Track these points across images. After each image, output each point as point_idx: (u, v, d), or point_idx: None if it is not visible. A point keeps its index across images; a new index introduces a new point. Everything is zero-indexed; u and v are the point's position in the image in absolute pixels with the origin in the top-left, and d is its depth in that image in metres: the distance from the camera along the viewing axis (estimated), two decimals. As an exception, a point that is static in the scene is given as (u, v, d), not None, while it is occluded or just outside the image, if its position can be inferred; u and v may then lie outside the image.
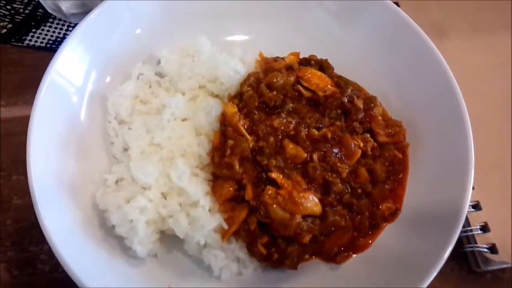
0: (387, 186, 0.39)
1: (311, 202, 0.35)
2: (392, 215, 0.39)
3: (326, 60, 0.44)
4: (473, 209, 0.42)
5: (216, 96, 0.42)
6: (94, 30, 0.41)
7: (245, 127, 0.37)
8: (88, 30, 0.40)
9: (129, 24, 0.43)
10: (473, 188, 0.38)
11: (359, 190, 0.38)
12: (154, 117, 0.39)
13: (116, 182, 0.38)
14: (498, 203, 0.42)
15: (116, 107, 0.40)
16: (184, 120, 0.40)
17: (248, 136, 0.37)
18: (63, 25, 0.51)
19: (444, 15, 0.52)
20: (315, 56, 0.44)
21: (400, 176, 0.40)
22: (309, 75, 0.40)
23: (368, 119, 0.39)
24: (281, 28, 0.47)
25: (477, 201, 0.42)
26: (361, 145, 0.37)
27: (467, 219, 0.41)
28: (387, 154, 0.39)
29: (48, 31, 0.50)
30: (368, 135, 0.38)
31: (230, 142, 0.36)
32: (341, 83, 0.40)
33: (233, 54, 0.44)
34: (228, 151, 0.36)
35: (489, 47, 0.50)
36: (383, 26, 0.44)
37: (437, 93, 0.40)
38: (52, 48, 0.49)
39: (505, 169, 0.44)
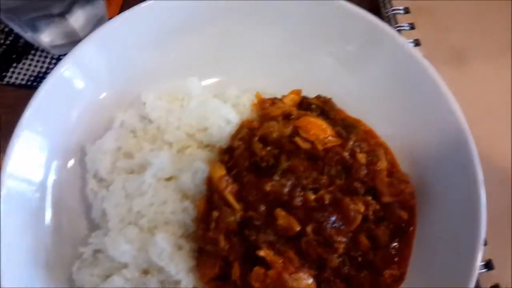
0: (391, 249, 0.36)
1: (304, 283, 0.32)
2: (396, 282, 0.36)
3: (329, 100, 0.40)
4: (484, 269, 0.38)
5: (207, 146, 0.38)
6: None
7: (234, 192, 0.34)
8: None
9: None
10: (485, 244, 0.35)
11: (360, 259, 0.34)
12: (135, 178, 0.36)
13: (94, 253, 0.35)
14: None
15: (95, 164, 0.37)
16: (169, 179, 0.36)
17: (236, 205, 0.33)
18: (45, 57, 0.47)
19: (466, 35, 0.46)
20: (320, 95, 0.40)
21: (406, 237, 0.37)
22: (308, 125, 0.37)
23: (371, 176, 0.35)
24: (284, 66, 0.42)
25: (489, 260, 0.38)
26: (362, 210, 0.34)
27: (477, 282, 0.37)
28: (391, 215, 0.36)
29: (29, 65, 0.47)
30: (370, 197, 0.35)
31: (215, 214, 0.33)
32: (343, 133, 0.36)
33: (226, 98, 0.40)
34: (213, 225, 0.33)
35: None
36: (395, 68, 0.39)
37: (449, 146, 0.36)
38: (33, 86, 0.45)
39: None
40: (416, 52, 0.38)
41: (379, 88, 0.40)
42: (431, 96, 0.37)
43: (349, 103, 0.41)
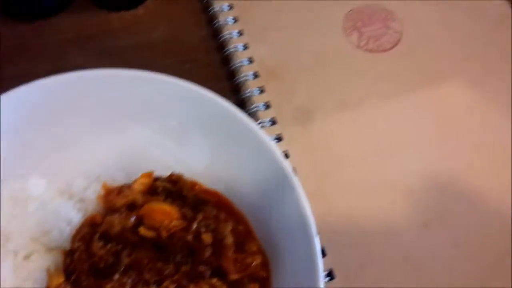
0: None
1: None
2: None
3: (181, 177, 0.40)
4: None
5: (54, 250, 0.38)
6: None
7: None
8: None
9: None
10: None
11: None
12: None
13: None
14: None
15: None
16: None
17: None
18: None
19: (311, 95, 0.49)
20: (173, 173, 0.41)
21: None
22: (152, 212, 0.37)
23: (217, 255, 0.36)
24: (139, 148, 0.41)
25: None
26: (206, 296, 0.34)
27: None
28: (241, 291, 0.36)
29: None
30: (216, 279, 0.35)
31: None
32: (188, 213, 0.37)
33: (72, 192, 0.40)
34: None
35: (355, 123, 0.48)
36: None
37: (291, 216, 0.37)
38: None
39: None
40: (252, 123, 0.40)
41: (229, 158, 0.41)
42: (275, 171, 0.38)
43: (205, 175, 0.42)
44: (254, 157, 0.39)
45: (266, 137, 0.39)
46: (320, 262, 0.34)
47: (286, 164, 0.38)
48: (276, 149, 0.38)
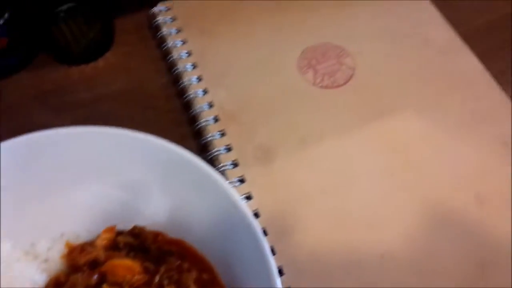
0: None
1: None
2: None
3: (143, 229, 0.41)
4: None
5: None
6: None
7: None
8: None
9: None
10: None
11: None
12: None
13: None
14: None
15: None
16: None
17: None
18: None
19: (271, 135, 0.50)
20: (136, 226, 0.41)
21: None
22: (114, 268, 0.37)
23: (182, 306, 0.36)
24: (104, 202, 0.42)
25: None
26: None
27: None
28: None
29: None
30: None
31: None
32: (150, 266, 0.38)
33: (37, 253, 0.40)
34: None
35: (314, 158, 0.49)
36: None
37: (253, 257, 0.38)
38: None
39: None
40: (209, 169, 0.41)
41: (190, 206, 0.42)
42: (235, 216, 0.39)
43: (168, 225, 0.42)
44: (214, 202, 0.40)
45: (224, 181, 0.40)
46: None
47: (246, 208, 0.39)
48: (235, 193, 0.39)
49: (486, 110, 0.51)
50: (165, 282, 0.37)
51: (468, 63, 0.55)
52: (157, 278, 0.36)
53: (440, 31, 0.57)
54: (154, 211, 0.42)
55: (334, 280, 0.41)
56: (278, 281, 0.36)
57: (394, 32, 0.57)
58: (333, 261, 0.43)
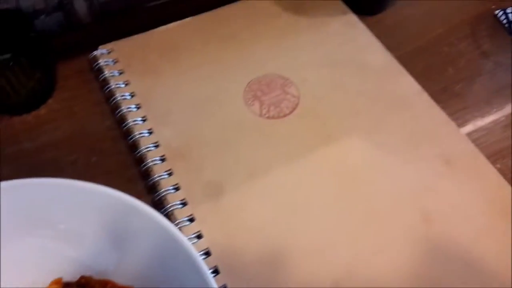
0: None
1: None
2: None
3: (90, 278, 0.40)
4: None
5: None
6: None
7: None
8: None
9: None
10: None
11: None
12: None
13: None
14: None
15: None
16: None
17: None
18: None
19: (219, 169, 0.50)
20: (83, 276, 0.41)
21: None
22: (61, 322, 0.36)
23: None
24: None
25: None
26: None
27: None
28: None
29: None
30: None
31: None
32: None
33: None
34: None
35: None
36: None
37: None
38: None
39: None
40: (153, 212, 0.40)
41: (137, 250, 0.41)
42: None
43: (116, 272, 0.41)
44: (160, 245, 0.39)
45: (168, 223, 0.39)
46: None
47: (193, 250, 0.38)
48: (181, 235, 0.39)
49: (426, 130, 0.53)
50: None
51: (406, 85, 0.57)
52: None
53: (378, 56, 0.59)
54: (101, 259, 0.41)
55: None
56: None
57: (335, 59, 0.59)
58: (288, 292, 0.43)
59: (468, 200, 0.48)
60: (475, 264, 0.44)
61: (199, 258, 0.38)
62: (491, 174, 0.50)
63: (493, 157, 0.53)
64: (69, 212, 0.40)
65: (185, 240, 0.38)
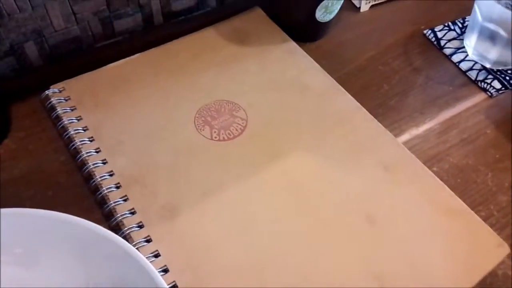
0: None
1: None
2: None
3: None
4: None
5: None
6: None
7: None
8: None
9: None
10: None
11: None
12: None
13: None
14: None
15: None
16: None
17: None
18: None
19: (174, 192, 0.52)
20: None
21: None
22: None
23: None
24: None
25: None
26: None
27: None
28: None
29: None
30: None
31: None
32: None
33: None
34: None
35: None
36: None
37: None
38: None
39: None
40: (111, 235, 0.42)
41: (101, 273, 0.42)
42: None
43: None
44: (121, 266, 0.41)
45: (125, 243, 0.41)
46: None
47: (151, 268, 0.40)
48: (138, 254, 0.40)
49: (366, 141, 0.57)
50: None
51: (345, 103, 0.61)
52: None
53: (318, 78, 0.64)
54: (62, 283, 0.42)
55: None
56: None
57: (279, 82, 0.63)
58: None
59: (408, 202, 0.52)
60: (418, 262, 0.48)
61: (156, 274, 0.39)
62: (428, 177, 0.54)
63: (430, 162, 0.57)
64: (28, 238, 0.41)
65: (141, 257, 0.40)
